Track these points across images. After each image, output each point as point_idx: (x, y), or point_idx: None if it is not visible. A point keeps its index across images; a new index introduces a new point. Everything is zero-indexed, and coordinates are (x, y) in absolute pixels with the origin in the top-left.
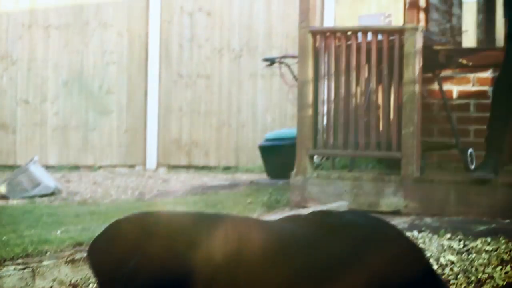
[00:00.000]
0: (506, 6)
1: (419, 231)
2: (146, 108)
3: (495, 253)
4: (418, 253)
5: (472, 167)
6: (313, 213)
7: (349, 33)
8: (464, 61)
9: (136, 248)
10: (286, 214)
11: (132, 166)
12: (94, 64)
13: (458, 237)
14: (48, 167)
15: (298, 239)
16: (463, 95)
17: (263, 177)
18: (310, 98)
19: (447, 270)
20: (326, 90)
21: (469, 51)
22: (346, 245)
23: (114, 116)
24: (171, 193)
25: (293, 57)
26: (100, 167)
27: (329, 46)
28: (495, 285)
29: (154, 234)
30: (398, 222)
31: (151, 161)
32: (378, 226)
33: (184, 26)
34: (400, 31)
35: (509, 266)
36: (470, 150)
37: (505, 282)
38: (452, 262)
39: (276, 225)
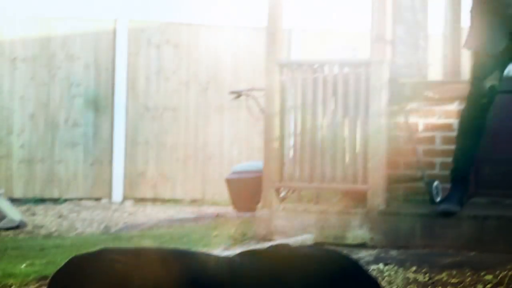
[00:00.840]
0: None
1: (385, 264)
2: (112, 141)
3: (461, 285)
4: (375, 287)
5: (438, 199)
6: (272, 246)
7: (315, 66)
8: (430, 94)
9: (92, 285)
10: (249, 248)
11: (98, 199)
12: (61, 96)
13: (424, 270)
14: (13, 200)
15: (250, 274)
16: (429, 128)
17: (229, 210)
18: (276, 130)
19: None
20: (293, 122)
21: (435, 84)
22: (302, 278)
23: (80, 148)
24: (137, 226)
25: (260, 89)
26: (66, 200)
27: (296, 79)
28: None
29: (110, 272)
30: (364, 255)
31: (117, 193)
32: (336, 260)
33: (151, 58)
34: (366, 64)
35: None
36: (435, 183)
37: None
38: None
39: (230, 260)
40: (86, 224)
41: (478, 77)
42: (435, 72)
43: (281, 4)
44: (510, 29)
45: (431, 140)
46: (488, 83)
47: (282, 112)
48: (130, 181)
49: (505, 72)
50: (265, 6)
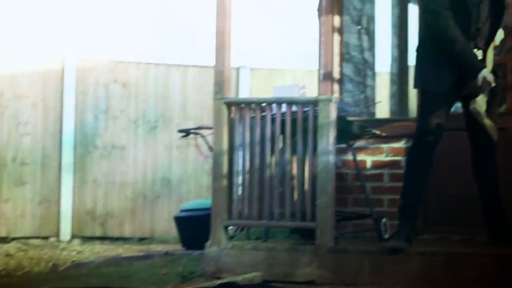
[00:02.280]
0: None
1: None
2: (60, 179)
3: None
4: None
5: (386, 236)
6: (221, 284)
7: (263, 104)
8: (378, 132)
9: None
10: (198, 286)
11: (46, 238)
12: (8, 134)
13: None
14: None
15: None
16: (377, 165)
17: (178, 248)
18: (225, 168)
19: None
20: (241, 160)
21: (383, 121)
22: None
23: (28, 187)
24: (85, 264)
25: (208, 128)
26: (13, 239)
27: (244, 117)
28: None
29: None
30: None
31: (65, 232)
32: None
33: (100, 97)
34: (314, 102)
35: None
36: (384, 220)
37: None
38: None
39: None
40: (33, 262)
41: (425, 115)
42: (383, 109)
43: (229, 43)
44: (457, 68)
45: (379, 177)
46: (435, 121)
47: (231, 150)
48: (78, 219)
49: (452, 109)
50: (213, 44)
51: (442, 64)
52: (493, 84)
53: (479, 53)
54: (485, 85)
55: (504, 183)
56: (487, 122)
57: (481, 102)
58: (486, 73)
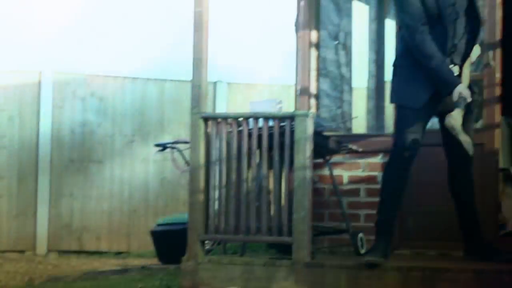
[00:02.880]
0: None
1: None
2: (36, 193)
3: None
4: None
5: (363, 251)
6: None
7: (240, 119)
8: (354, 147)
9: None
10: None
11: (22, 251)
12: None
13: None
14: None
15: None
16: (353, 180)
17: (155, 262)
18: (201, 183)
19: None
20: (218, 175)
21: (359, 137)
22: None
23: (4, 200)
24: (62, 278)
25: (185, 142)
26: None
27: (221, 132)
28: None
29: None
30: None
31: (42, 246)
32: None
33: (76, 110)
34: (291, 117)
35: None
36: (360, 235)
37: None
38: None
39: None
40: (9, 276)
41: (401, 130)
42: (360, 125)
43: (206, 58)
44: (433, 83)
45: (355, 192)
46: (411, 136)
47: (207, 164)
48: (55, 233)
49: (428, 125)
50: (190, 59)
51: (418, 80)
52: (469, 100)
53: (455, 69)
54: (460, 100)
55: (480, 198)
56: (462, 137)
57: (456, 117)
58: (461, 88)
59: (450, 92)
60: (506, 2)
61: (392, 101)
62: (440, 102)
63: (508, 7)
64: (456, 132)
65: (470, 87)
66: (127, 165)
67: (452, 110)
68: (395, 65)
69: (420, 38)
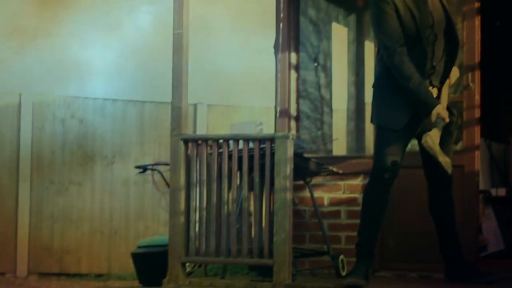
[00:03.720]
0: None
1: None
2: (16, 214)
3: None
4: None
5: (344, 273)
6: None
7: (220, 140)
8: (335, 169)
9: None
10: None
11: (2, 274)
12: None
13: None
14: None
15: None
16: (334, 202)
17: (135, 284)
18: (182, 205)
19: None
20: (198, 197)
21: (340, 158)
22: None
23: None
24: None
25: (166, 164)
26: None
27: (201, 153)
28: None
29: None
30: None
31: (22, 268)
32: None
33: (57, 132)
34: (271, 139)
35: None
36: (341, 257)
37: None
38: None
39: None
40: None
41: (381, 152)
42: (340, 146)
43: (186, 79)
44: (412, 105)
45: (336, 214)
46: (391, 158)
47: (188, 186)
48: (35, 255)
49: (408, 147)
50: (170, 80)
51: (398, 101)
52: (447, 120)
53: (434, 91)
54: (438, 121)
55: (460, 220)
56: (442, 158)
57: (434, 137)
58: (439, 109)
59: (428, 113)
60: (485, 25)
61: (372, 121)
62: (419, 124)
63: (487, 30)
64: (434, 152)
65: (449, 108)
66: (108, 187)
67: (429, 130)
68: (374, 86)
69: (398, 59)
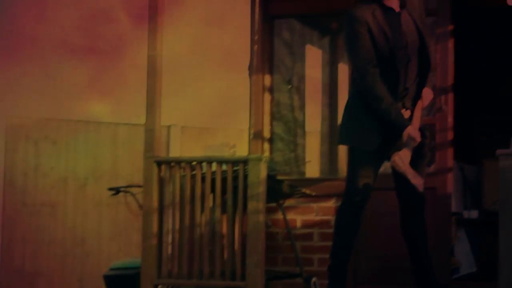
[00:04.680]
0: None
1: None
2: None
3: None
4: None
5: None
6: None
7: (194, 163)
8: (308, 191)
9: None
10: None
11: None
12: None
13: None
14: None
15: None
16: (306, 224)
17: None
18: (155, 227)
19: None
20: (171, 219)
21: (313, 181)
22: None
23: None
24: None
25: (139, 186)
26: None
27: (174, 175)
28: None
29: None
30: None
31: None
32: None
33: (29, 154)
34: (244, 161)
35: None
36: (314, 279)
37: None
38: None
39: None
40: None
41: (353, 174)
42: (313, 169)
43: (159, 101)
44: (384, 126)
45: (309, 236)
46: (363, 180)
47: (161, 208)
48: (7, 278)
49: (381, 169)
50: (143, 103)
51: (371, 122)
52: (418, 140)
53: (406, 113)
54: (409, 141)
55: (433, 242)
56: (413, 179)
57: (403, 156)
58: (411, 130)
59: (400, 135)
60: (458, 48)
61: (342, 142)
62: (392, 146)
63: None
64: (403, 171)
65: (422, 130)
66: (80, 209)
67: (400, 150)
68: (347, 107)
69: (370, 80)
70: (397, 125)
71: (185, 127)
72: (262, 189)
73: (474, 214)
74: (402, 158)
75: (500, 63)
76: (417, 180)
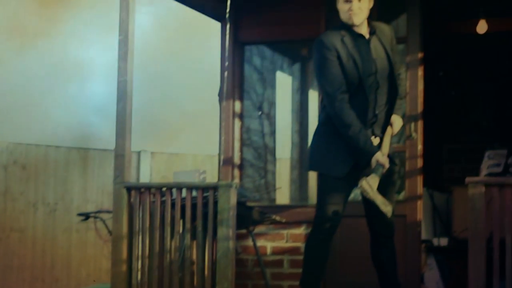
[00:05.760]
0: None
1: None
2: None
3: None
4: None
5: None
6: None
7: (164, 189)
8: (278, 218)
9: None
10: None
11: None
12: None
13: None
14: None
15: None
16: (277, 251)
17: None
18: (124, 253)
19: None
20: (141, 245)
21: (283, 207)
22: None
23: None
24: None
25: (108, 212)
26: None
27: (144, 201)
28: None
29: None
30: None
31: None
32: None
33: None
34: (214, 188)
35: None
36: None
37: None
38: None
39: None
40: None
41: (323, 201)
42: (284, 195)
43: (129, 127)
44: (353, 152)
45: (279, 263)
46: (333, 208)
47: (130, 234)
48: None
49: (351, 196)
50: (113, 128)
51: (340, 149)
52: (387, 166)
53: (375, 140)
54: (377, 167)
55: (402, 270)
56: (383, 206)
57: (371, 181)
58: (379, 156)
59: (368, 161)
60: (428, 75)
61: (311, 169)
62: (361, 172)
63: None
64: (370, 196)
65: (391, 157)
66: (50, 234)
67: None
68: (317, 133)
69: (339, 106)
70: (366, 151)
71: (155, 152)
72: (232, 215)
73: (443, 241)
74: (370, 184)
75: (470, 90)
76: (385, 207)
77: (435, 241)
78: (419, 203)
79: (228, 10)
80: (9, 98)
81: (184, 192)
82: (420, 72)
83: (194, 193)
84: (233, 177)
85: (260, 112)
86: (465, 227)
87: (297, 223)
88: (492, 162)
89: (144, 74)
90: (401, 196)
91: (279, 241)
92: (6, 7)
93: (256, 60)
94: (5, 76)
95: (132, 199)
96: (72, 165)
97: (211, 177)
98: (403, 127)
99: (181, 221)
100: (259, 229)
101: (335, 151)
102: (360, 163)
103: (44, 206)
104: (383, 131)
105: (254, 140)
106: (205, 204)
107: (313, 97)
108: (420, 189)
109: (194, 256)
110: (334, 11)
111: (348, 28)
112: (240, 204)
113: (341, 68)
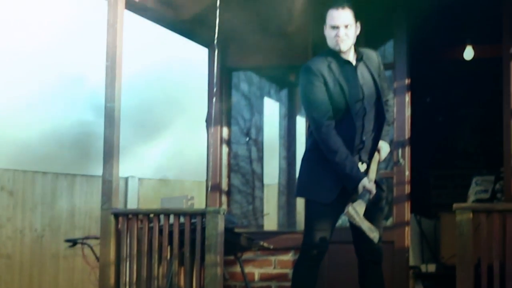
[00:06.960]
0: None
1: None
2: None
3: None
4: None
5: None
6: None
7: (151, 215)
8: (266, 244)
9: None
10: None
11: None
12: None
13: None
14: None
15: None
16: (264, 278)
17: None
18: (112, 280)
19: None
20: (128, 271)
21: (271, 233)
22: None
23: None
24: None
25: (96, 238)
26: None
27: (132, 228)
28: None
29: None
30: None
31: None
32: None
33: None
34: (202, 214)
35: None
36: None
37: None
38: None
39: None
40: None
41: (310, 227)
42: (271, 221)
43: (117, 153)
44: (340, 178)
45: None
46: (320, 234)
47: (118, 261)
48: None
49: (339, 222)
50: (100, 154)
51: (327, 175)
52: (374, 192)
53: (362, 167)
54: (364, 193)
55: None
56: (371, 233)
57: (357, 207)
58: (365, 182)
59: (355, 187)
60: (415, 101)
61: (299, 195)
62: (349, 198)
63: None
64: (356, 222)
65: (378, 183)
66: (37, 261)
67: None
68: (304, 159)
69: (325, 132)
70: (352, 177)
71: (143, 178)
72: (219, 242)
73: (431, 267)
74: (356, 210)
75: (457, 116)
76: (372, 233)
77: (423, 268)
78: (407, 229)
79: (216, 36)
80: None
81: (172, 218)
82: (408, 98)
83: (182, 219)
84: (221, 203)
85: (247, 138)
86: (453, 253)
87: (285, 249)
88: (480, 188)
89: (133, 99)
90: (389, 222)
91: (267, 267)
92: None
93: (244, 86)
94: None
95: (119, 225)
96: (59, 191)
97: (199, 203)
98: (391, 153)
99: (168, 247)
100: (247, 255)
101: (323, 177)
102: (347, 189)
103: (32, 232)
104: (370, 157)
105: (241, 166)
106: (193, 230)
107: (301, 123)
108: (408, 215)
109: (182, 283)
110: (321, 38)
111: (335, 54)
112: (228, 230)
113: (328, 94)
